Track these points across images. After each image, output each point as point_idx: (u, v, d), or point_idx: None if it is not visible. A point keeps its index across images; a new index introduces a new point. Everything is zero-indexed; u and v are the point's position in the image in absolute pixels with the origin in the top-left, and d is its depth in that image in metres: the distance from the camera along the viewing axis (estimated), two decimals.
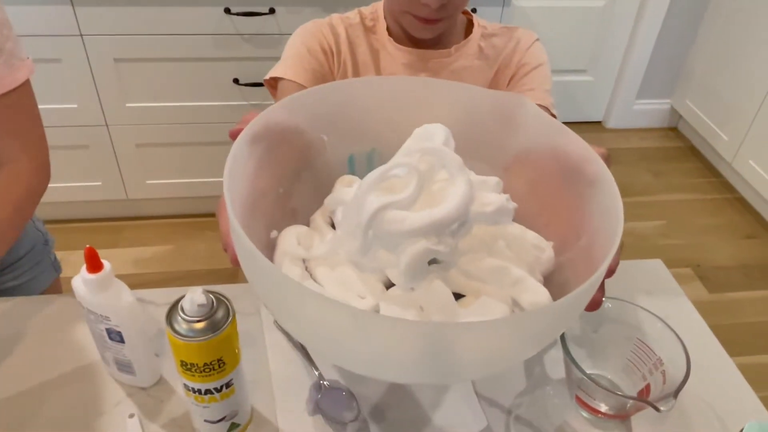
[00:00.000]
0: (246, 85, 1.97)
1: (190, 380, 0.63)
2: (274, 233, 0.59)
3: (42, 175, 0.93)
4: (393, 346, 0.42)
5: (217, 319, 0.60)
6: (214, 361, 0.61)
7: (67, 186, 2.12)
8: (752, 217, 2.55)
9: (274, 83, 1.00)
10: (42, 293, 1.12)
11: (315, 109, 0.55)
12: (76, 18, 1.77)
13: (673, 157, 2.91)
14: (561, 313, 0.43)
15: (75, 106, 1.95)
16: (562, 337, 0.73)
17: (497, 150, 0.55)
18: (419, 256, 0.46)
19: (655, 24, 2.74)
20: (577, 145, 0.54)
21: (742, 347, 1.99)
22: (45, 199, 0.96)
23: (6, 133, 0.88)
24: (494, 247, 0.50)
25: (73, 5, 1.75)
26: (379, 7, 1.03)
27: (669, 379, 0.72)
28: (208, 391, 0.64)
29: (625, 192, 2.33)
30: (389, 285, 0.53)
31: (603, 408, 0.74)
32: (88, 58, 1.86)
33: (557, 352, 0.84)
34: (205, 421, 0.68)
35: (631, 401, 0.72)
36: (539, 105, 0.95)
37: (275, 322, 0.85)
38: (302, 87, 0.94)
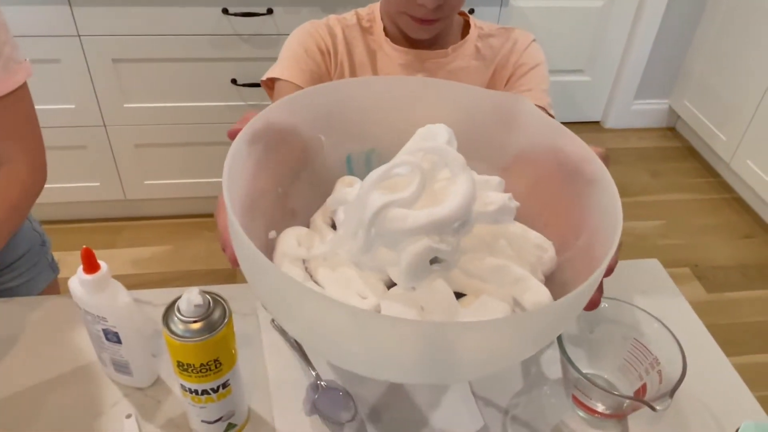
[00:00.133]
0: (244, 85, 1.97)
1: (186, 381, 0.63)
2: (272, 234, 0.59)
3: (38, 175, 0.94)
4: (393, 345, 0.42)
5: (214, 319, 0.61)
6: (211, 361, 0.61)
7: (66, 186, 2.12)
8: (750, 217, 2.56)
9: (271, 84, 1.00)
10: (40, 294, 1.12)
11: (312, 110, 0.55)
12: (74, 18, 1.77)
13: (671, 157, 2.91)
14: (561, 313, 0.43)
15: (73, 106, 1.95)
16: (559, 337, 0.73)
17: (496, 150, 0.55)
18: (421, 255, 0.45)
19: (653, 24, 2.74)
20: (575, 144, 0.54)
21: (740, 347, 1.99)
22: (43, 199, 0.96)
23: (3, 134, 0.89)
24: (496, 247, 0.50)
25: (70, 5, 1.75)
26: (375, 8, 1.03)
27: (665, 378, 0.72)
28: (204, 392, 0.64)
29: (623, 192, 2.33)
30: (390, 285, 0.53)
31: (600, 408, 0.74)
32: (86, 59, 1.86)
33: (554, 352, 0.84)
34: (202, 421, 0.68)
35: (627, 401, 0.72)
36: (536, 105, 0.96)
37: (272, 322, 0.85)
38: (299, 87, 0.94)
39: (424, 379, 0.48)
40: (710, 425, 0.77)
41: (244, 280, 0.90)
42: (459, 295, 0.53)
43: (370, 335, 0.41)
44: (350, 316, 0.41)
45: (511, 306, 0.51)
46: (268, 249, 0.59)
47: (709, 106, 2.74)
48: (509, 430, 0.76)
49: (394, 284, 0.51)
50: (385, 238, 0.46)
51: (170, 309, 0.61)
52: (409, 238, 0.45)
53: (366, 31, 1.02)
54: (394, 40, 1.01)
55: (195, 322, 0.59)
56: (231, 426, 0.70)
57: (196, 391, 0.64)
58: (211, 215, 2.33)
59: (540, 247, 0.53)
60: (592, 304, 0.51)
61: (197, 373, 0.62)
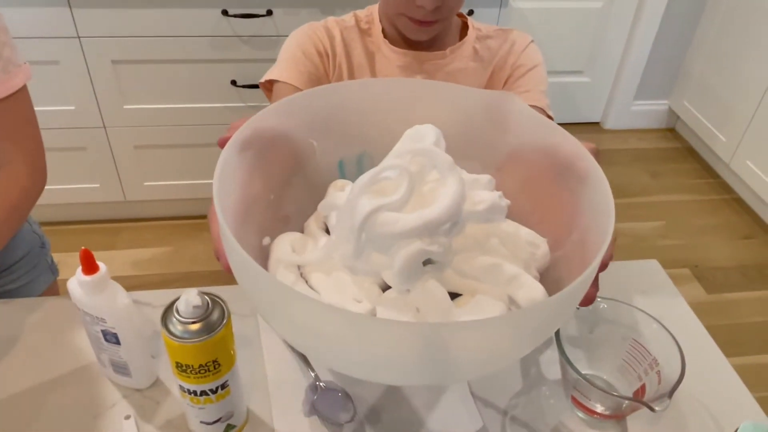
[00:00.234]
0: (244, 86, 1.97)
1: (185, 381, 0.63)
2: (266, 240, 0.59)
3: (38, 178, 0.94)
4: (390, 348, 0.42)
5: (212, 320, 0.61)
6: (210, 362, 0.61)
7: (65, 188, 2.12)
8: (750, 217, 2.56)
9: (269, 86, 1.00)
10: (39, 296, 1.12)
11: (303, 114, 0.55)
12: (74, 20, 1.77)
13: (670, 158, 2.91)
14: (556, 309, 0.43)
15: (73, 108, 1.95)
16: (558, 337, 0.73)
17: (489, 149, 0.55)
18: (413, 257, 0.45)
19: (652, 25, 2.74)
20: (567, 141, 0.54)
21: (740, 347, 1.99)
22: (43, 201, 0.96)
23: (2, 137, 0.89)
24: (488, 245, 0.50)
25: (70, 7, 1.75)
26: (374, 9, 1.03)
27: (664, 379, 0.72)
28: (203, 393, 0.64)
29: (623, 193, 2.35)
30: (385, 288, 0.53)
31: (599, 408, 0.74)
32: (85, 60, 1.86)
33: (553, 353, 0.84)
34: (201, 422, 0.68)
35: (626, 401, 0.72)
36: (534, 107, 0.96)
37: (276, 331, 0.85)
38: (297, 89, 0.95)
39: (421, 381, 0.48)
40: (709, 426, 0.77)
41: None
42: (454, 296, 0.53)
43: (367, 339, 0.41)
44: (346, 321, 0.40)
45: (506, 304, 0.51)
46: (263, 256, 0.58)
47: (708, 107, 2.74)
48: (508, 431, 0.76)
49: (389, 287, 0.51)
50: (376, 242, 0.46)
51: (169, 310, 0.61)
52: (401, 241, 0.45)
53: (364, 33, 1.02)
54: (392, 42, 1.01)
55: (194, 323, 0.60)
56: (230, 427, 0.70)
57: (194, 392, 0.64)
58: None
59: (532, 243, 0.52)
60: (587, 300, 0.51)
61: (196, 374, 0.62)
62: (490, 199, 0.48)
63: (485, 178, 0.51)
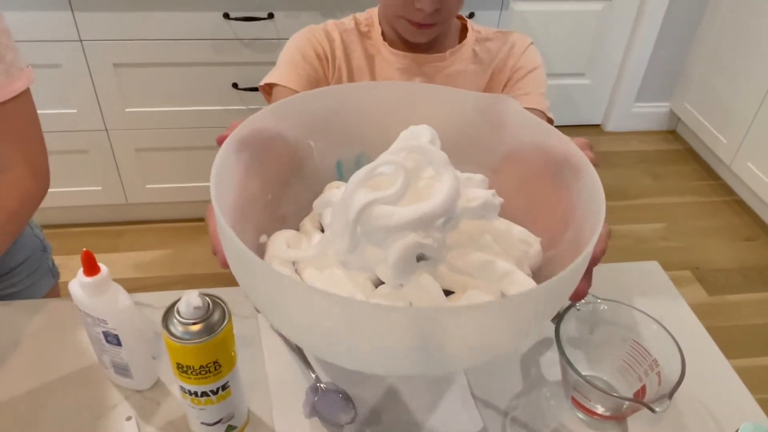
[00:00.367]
0: (245, 89, 1.98)
1: (186, 382, 0.63)
2: (263, 238, 0.59)
3: (40, 181, 0.94)
4: (384, 335, 0.41)
5: (213, 321, 0.61)
6: (210, 363, 0.62)
7: (67, 191, 2.13)
8: (751, 219, 2.55)
9: (269, 89, 1.01)
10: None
11: (301, 116, 0.55)
12: (76, 23, 1.78)
13: (672, 160, 2.91)
14: (547, 297, 0.43)
15: (74, 111, 1.96)
16: (558, 338, 0.73)
17: (485, 151, 0.56)
18: (408, 250, 0.45)
19: (653, 27, 2.75)
20: (559, 139, 0.54)
21: (742, 349, 1.99)
22: (45, 204, 0.96)
23: (5, 140, 0.89)
24: (481, 242, 0.50)
25: (72, 10, 1.75)
26: (374, 12, 1.04)
27: (664, 380, 0.72)
28: (204, 394, 0.64)
29: (624, 195, 2.35)
30: (378, 284, 0.53)
31: (599, 409, 0.74)
32: (87, 63, 1.86)
33: (553, 354, 0.85)
34: (202, 423, 0.68)
35: (626, 402, 0.72)
36: (534, 109, 0.96)
37: (272, 325, 0.86)
38: (296, 93, 0.95)
39: (416, 370, 0.48)
40: (710, 426, 0.77)
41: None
42: (448, 293, 0.52)
43: (362, 326, 0.41)
44: (341, 307, 0.40)
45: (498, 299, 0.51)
46: (259, 253, 0.59)
47: (709, 109, 2.74)
48: (509, 431, 0.76)
49: (382, 283, 0.51)
50: (371, 235, 0.46)
51: (170, 311, 0.61)
52: (396, 234, 0.45)
53: (364, 36, 1.03)
54: (392, 45, 1.01)
55: (194, 324, 0.60)
56: (231, 428, 0.70)
57: (195, 393, 0.64)
58: None
59: (525, 242, 0.53)
60: (578, 295, 0.51)
61: (197, 375, 0.62)
62: (484, 196, 0.49)
63: (478, 177, 0.51)
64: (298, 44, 1.00)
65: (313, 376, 0.78)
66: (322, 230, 0.55)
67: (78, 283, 0.67)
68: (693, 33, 2.80)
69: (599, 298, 0.79)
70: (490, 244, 0.50)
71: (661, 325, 0.75)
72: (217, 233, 0.49)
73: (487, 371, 0.83)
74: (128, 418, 0.73)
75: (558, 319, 0.75)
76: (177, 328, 0.60)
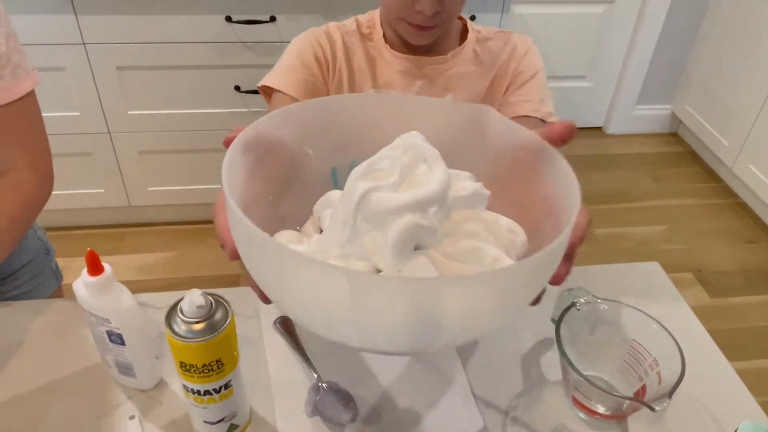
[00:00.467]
0: (247, 92, 1.98)
1: (189, 381, 0.64)
2: None
3: (45, 184, 0.94)
4: (384, 306, 0.44)
5: (216, 320, 0.61)
6: (213, 362, 0.62)
7: (70, 193, 2.14)
8: (753, 221, 2.56)
9: (269, 90, 1.01)
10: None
11: (300, 124, 0.58)
12: (79, 27, 1.79)
13: (673, 163, 2.91)
14: (529, 272, 0.46)
15: (78, 113, 1.97)
16: (558, 338, 0.74)
17: (471, 155, 0.59)
18: (407, 230, 0.48)
19: (654, 30, 2.75)
20: (529, 135, 0.58)
21: (744, 352, 1.99)
22: (48, 206, 0.97)
23: (9, 142, 0.90)
24: (472, 230, 0.53)
25: (76, 14, 1.77)
26: (375, 14, 1.04)
27: (664, 379, 0.72)
28: (207, 392, 0.65)
29: (625, 197, 2.35)
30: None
31: (600, 409, 0.75)
32: (90, 67, 1.87)
33: (553, 355, 0.85)
34: (205, 422, 0.68)
35: (627, 402, 0.72)
36: (531, 117, 0.97)
37: (274, 324, 0.86)
38: (293, 99, 0.97)
39: (412, 345, 0.49)
40: (709, 426, 0.77)
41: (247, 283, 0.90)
42: None
43: (364, 297, 0.43)
44: (346, 278, 0.43)
45: None
46: None
47: (711, 111, 2.75)
48: (509, 431, 0.76)
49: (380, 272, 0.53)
50: (371, 220, 0.49)
51: (173, 310, 0.62)
52: (394, 215, 0.48)
53: (365, 38, 1.03)
54: (393, 47, 1.02)
55: (197, 322, 0.60)
56: (233, 427, 0.71)
57: (198, 392, 0.65)
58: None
59: (512, 231, 0.55)
60: (558, 278, 0.53)
61: (199, 373, 0.62)
62: (473, 187, 0.53)
63: (466, 173, 0.55)
64: (299, 48, 1.01)
65: (315, 375, 0.79)
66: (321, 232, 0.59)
67: (82, 283, 0.67)
68: (694, 35, 2.81)
69: (599, 298, 0.79)
70: (479, 232, 0.53)
71: (660, 324, 0.75)
72: (226, 227, 0.51)
73: (487, 371, 0.83)
74: (131, 417, 0.74)
75: (558, 319, 0.76)
76: (180, 327, 0.60)
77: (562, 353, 0.73)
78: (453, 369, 0.83)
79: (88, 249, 0.65)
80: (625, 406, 0.74)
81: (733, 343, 1.99)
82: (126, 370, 0.75)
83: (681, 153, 2.98)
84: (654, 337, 0.76)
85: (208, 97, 2.00)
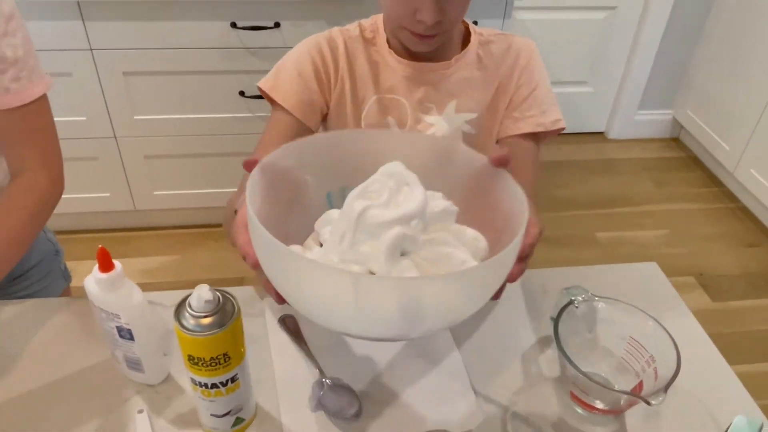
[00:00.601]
0: (252, 97, 2.01)
1: (197, 374, 0.66)
2: None
3: (56, 186, 0.97)
4: (380, 300, 0.56)
5: (223, 315, 0.63)
6: (220, 355, 0.64)
7: (76, 197, 2.16)
8: (754, 225, 2.57)
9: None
10: None
11: (302, 156, 0.71)
12: (87, 33, 1.82)
13: (675, 167, 2.93)
14: (489, 271, 0.59)
15: (84, 118, 1.99)
16: (556, 335, 0.75)
17: (443, 180, 0.71)
18: (396, 239, 0.60)
19: (655, 35, 2.77)
20: (483, 163, 0.70)
21: (745, 355, 2.00)
22: (55, 209, 0.99)
23: (23, 143, 0.93)
24: (444, 239, 0.65)
25: (83, 20, 1.79)
26: (378, 19, 1.05)
27: (660, 375, 0.74)
28: (214, 385, 0.67)
29: (627, 202, 2.36)
30: None
31: (598, 404, 0.76)
32: (97, 72, 1.90)
33: (552, 352, 0.87)
34: (212, 415, 0.70)
35: (624, 397, 0.74)
36: (532, 134, 1.02)
37: (279, 321, 0.88)
38: (288, 113, 0.99)
39: (401, 332, 0.61)
40: (705, 420, 0.79)
41: (251, 284, 0.93)
42: None
43: (363, 293, 0.55)
44: (348, 279, 0.55)
45: None
46: None
47: (712, 117, 2.76)
48: (509, 426, 0.78)
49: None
50: (367, 231, 0.61)
51: (182, 305, 0.64)
52: (386, 227, 0.60)
53: (368, 42, 1.04)
54: (397, 52, 1.02)
55: (205, 317, 0.62)
56: (239, 420, 0.72)
57: (205, 385, 0.67)
58: (218, 225, 2.36)
59: (476, 239, 0.68)
60: (512, 277, 0.64)
61: (207, 366, 0.64)
62: (444, 205, 0.66)
63: (439, 194, 0.68)
64: (299, 58, 1.02)
65: (318, 371, 0.80)
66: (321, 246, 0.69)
67: (93, 280, 0.69)
68: (695, 41, 2.83)
69: (597, 297, 0.81)
70: (450, 241, 0.65)
71: (657, 321, 0.77)
72: (248, 242, 0.62)
73: (488, 368, 0.85)
74: (140, 411, 0.76)
75: (556, 316, 0.78)
76: (188, 321, 0.62)
77: (561, 350, 0.74)
78: (454, 365, 0.85)
79: (100, 246, 0.67)
80: (622, 401, 0.76)
81: (735, 347, 2.00)
82: (135, 365, 0.77)
83: (682, 158, 3.00)
84: (650, 334, 0.78)
85: (213, 102, 2.03)
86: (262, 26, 1.86)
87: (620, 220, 2.57)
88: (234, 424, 0.72)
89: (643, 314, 0.79)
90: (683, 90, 2.94)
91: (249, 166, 0.65)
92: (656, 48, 2.81)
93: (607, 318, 0.82)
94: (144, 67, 1.92)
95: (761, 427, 0.66)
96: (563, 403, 0.81)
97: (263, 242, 0.55)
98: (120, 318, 0.71)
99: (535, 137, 1.05)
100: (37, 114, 0.92)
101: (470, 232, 0.67)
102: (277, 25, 1.87)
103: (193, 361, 0.64)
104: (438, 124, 1.03)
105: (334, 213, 0.68)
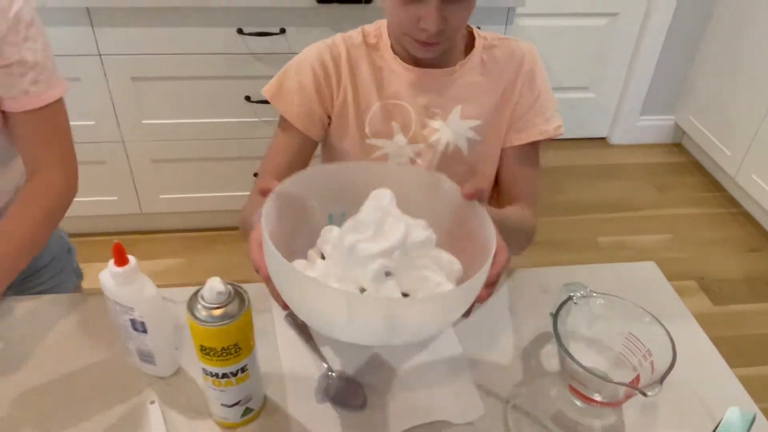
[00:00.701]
0: (257, 102, 2.04)
1: (208, 364, 0.68)
2: None
3: (71, 184, 1.01)
4: (368, 315, 0.65)
5: (234, 306, 0.66)
6: (231, 346, 0.67)
7: (84, 200, 2.18)
8: (756, 230, 2.59)
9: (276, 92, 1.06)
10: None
11: (308, 185, 0.79)
12: (95, 38, 1.85)
13: (677, 172, 2.95)
14: (458, 295, 0.68)
15: (92, 123, 2.02)
16: (556, 330, 0.78)
17: (428, 208, 0.80)
18: (379, 269, 0.70)
19: (657, 41, 2.80)
20: (461, 201, 0.78)
21: (747, 358, 2.01)
22: None
23: (40, 144, 0.97)
24: (423, 263, 0.74)
25: (92, 26, 1.82)
26: (382, 24, 1.05)
27: (657, 368, 0.76)
28: (224, 375, 0.69)
29: (630, 206, 2.37)
30: (362, 292, 0.72)
31: (596, 397, 0.78)
32: (106, 77, 1.93)
33: (552, 347, 0.89)
34: (222, 405, 0.73)
35: (622, 389, 0.76)
36: (534, 143, 1.06)
37: (286, 317, 0.91)
38: (290, 124, 1.03)
39: (382, 339, 0.71)
40: (699, 411, 0.81)
41: (259, 281, 0.95)
42: (405, 296, 0.74)
43: (355, 309, 0.65)
44: (344, 296, 0.65)
45: None
46: None
47: (713, 122, 2.78)
48: (509, 418, 0.80)
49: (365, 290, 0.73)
50: (357, 261, 0.70)
51: (194, 297, 0.66)
52: (371, 260, 0.69)
53: (372, 48, 1.04)
54: (401, 58, 1.03)
55: (217, 308, 0.65)
56: (248, 410, 0.75)
57: (216, 375, 0.69)
58: (224, 229, 2.39)
59: (451, 262, 0.76)
60: (480, 298, 0.71)
61: (218, 356, 0.67)
62: (425, 235, 0.74)
63: (422, 221, 0.75)
64: (300, 69, 1.03)
65: (325, 365, 0.83)
66: (322, 256, 0.78)
67: (109, 273, 0.72)
68: (696, 47, 2.85)
69: (595, 293, 0.83)
70: (429, 265, 0.74)
71: (653, 317, 0.79)
72: (261, 258, 0.70)
73: (489, 363, 0.87)
74: (152, 402, 0.78)
75: (556, 311, 0.80)
76: (201, 313, 0.65)
77: (560, 343, 0.77)
78: (456, 360, 0.87)
79: (115, 241, 0.70)
80: (620, 393, 0.78)
81: (736, 350, 2.02)
82: (147, 357, 0.79)
83: (684, 163, 3.02)
84: (647, 329, 0.80)
85: (220, 106, 2.06)
86: (267, 32, 1.89)
87: (622, 225, 2.59)
88: (243, 414, 0.75)
89: (640, 310, 0.81)
90: (685, 96, 2.96)
91: (265, 192, 0.73)
92: (657, 54, 2.84)
93: (606, 314, 0.84)
94: (152, 72, 1.95)
95: (754, 418, 0.67)
96: (562, 396, 0.83)
97: (275, 262, 0.64)
98: (134, 311, 0.73)
99: (538, 142, 1.08)
100: (54, 116, 0.96)
101: (446, 256, 0.77)
102: (282, 31, 1.90)
103: (204, 351, 0.67)
104: (442, 130, 1.04)
105: (334, 230, 0.77)
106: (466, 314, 0.70)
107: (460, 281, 0.75)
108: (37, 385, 0.81)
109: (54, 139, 0.98)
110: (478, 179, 0.79)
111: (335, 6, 1.87)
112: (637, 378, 0.80)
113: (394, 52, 1.03)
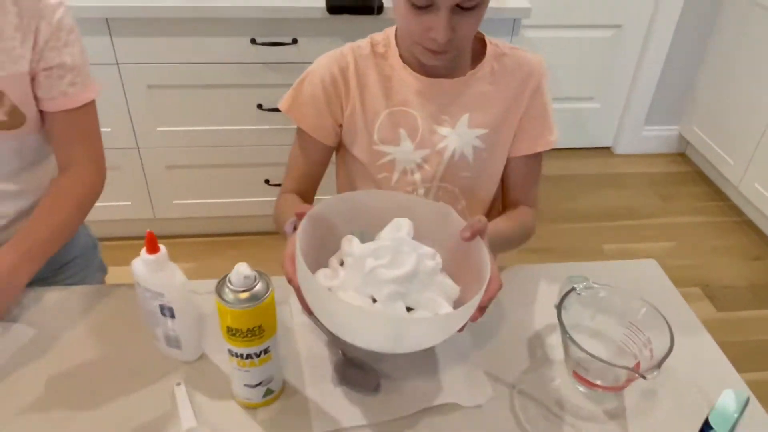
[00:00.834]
0: (269, 110, 2.08)
1: (234, 345, 0.73)
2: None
3: (100, 179, 1.08)
4: (378, 329, 0.75)
5: (259, 290, 0.71)
6: (255, 327, 0.71)
7: (98, 205, 2.18)
8: (759, 238, 2.61)
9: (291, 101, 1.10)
10: None
11: (335, 209, 0.89)
12: (114, 47, 1.90)
13: (681, 182, 2.98)
14: (453, 318, 0.77)
15: (109, 129, 2.06)
16: (560, 319, 0.82)
17: (437, 236, 0.89)
18: (390, 294, 0.79)
19: (661, 52, 2.84)
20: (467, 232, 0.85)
21: (751, 364, 2.03)
22: None
23: (74, 141, 1.03)
24: (429, 286, 0.83)
25: (111, 36, 1.88)
26: (391, 32, 1.07)
27: (656, 356, 0.80)
28: (249, 356, 0.74)
29: (634, 215, 2.41)
30: (375, 301, 0.81)
31: (599, 382, 0.83)
32: (123, 85, 1.98)
33: (557, 337, 0.93)
34: (245, 385, 0.77)
35: (623, 374, 0.80)
36: (536, 153, 1.11)
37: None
38: (306, 134, 1.09)
39: (389, 348, 0.78)
40: (696, 397, 0.86)
41: (278, 275, 1.00)
42: (410, 310, 0.82)
43: (366, 323, 0.75)
44: (359, 312, 0.76)
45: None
46: None
47: (717, 132, 2.82)
48: (516, 402, 0.84)
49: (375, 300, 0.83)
50: (372, 284, 0.79)
51: (222, 281, 0.71)
52: (385, 285, 0.79)
53: (380, 57, 1.06)
54: (411, 66, 1.04)
55: (243, 291, 0.70)
56: (269, 391, 0.79)
57: (241, 356, 0.74)
58: (236, 234, 2.43)
59: (452, 287, 0.85)
60: (473, 319, 0.79)
61: (243, 337, 0.71)
62: (432, 265, 0.83)
63: (431, 250, 0.85)
64: (312, 82, 1.07)
65: (340, 351, 0.87)
66: (341, 263, 0.86)
67: (141, 261, 0.77)
68: (700, 58, 2.89)
69: (597, 284, 0.88)
70: (431, 287, 0.83)
71: (652, 305, 0.84)
72: (293, 270, 0.79)
73: (497, 351, 0.92)
74: (178, 384, 0.83)
75: (559, 301, 0.85)
76: (228, 296, 0.70)
77: (564, 330, 0.81)
78: (466, 348, 0.91)
79: (147, 231, 0.75)
80: (621, 378, 0.82)
81: (740, 356, 2.02)
82: (174, 342, 0.84)
83: (688, 172, 3.05)
84: (647, 319, 0.84)
85: (232, 114, 2.10)
86: (280, 42, 1.94)
87: (626, 233, 2.62)
88: (265, 395, 0.79)
89: (640, 300, 0.85)
90: (689, 106, 3.00)
91: (300, 216, 0.82)
92: (661, 65, 2.88)
93: (608, 305, 0.88)
94: (167, 80, 2.00)
95: (747, 400, 0.71)
96: (566, 381, 0.87)
97: (305, 278, 0.75)
98: (164, 296, 0.78)
99: (540, 152, 1.12)
100: (87, 115, 1.02)
101: (449, 281, 0.86)
102: (294, 41, 1.95)
103: (231, 332, 0.71)
104: (450, 137, 1.07)
105: (353, 240, 0.86)
106: (460, 330, 0.79)
107: (457, 301, 0.84)
108: (69, 369, 0.85)
109: (86, 137, 1.04)
110: (477, 218, 0.85)
111: (346, 17, 1.91)
112: (638, 365, 0.84)
113: (403, 61, 1.05)
